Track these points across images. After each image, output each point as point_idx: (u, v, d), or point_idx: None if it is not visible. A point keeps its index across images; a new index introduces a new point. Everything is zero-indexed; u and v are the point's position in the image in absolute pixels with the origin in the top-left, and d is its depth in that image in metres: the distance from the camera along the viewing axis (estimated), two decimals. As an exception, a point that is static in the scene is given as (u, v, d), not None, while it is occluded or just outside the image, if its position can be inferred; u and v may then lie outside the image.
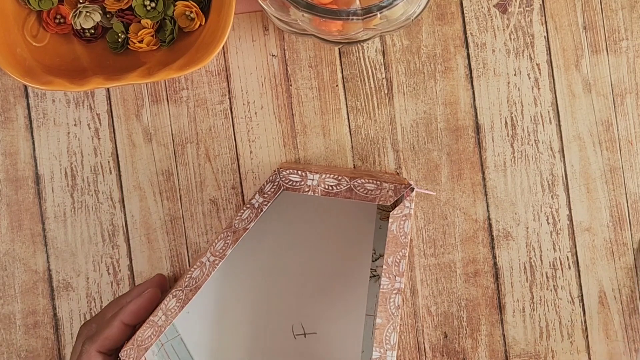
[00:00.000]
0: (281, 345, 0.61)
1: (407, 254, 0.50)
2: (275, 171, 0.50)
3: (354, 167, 0.62)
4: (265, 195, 0.50)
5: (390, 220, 0.50)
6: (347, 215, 0.61)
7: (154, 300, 0.53)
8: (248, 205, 0.50)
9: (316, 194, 0.50)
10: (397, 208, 0.50)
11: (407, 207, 0.50)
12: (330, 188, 0.50)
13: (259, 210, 0.50)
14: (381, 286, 0.50)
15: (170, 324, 0.50)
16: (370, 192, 0.50)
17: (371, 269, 0.61)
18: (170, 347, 0.58)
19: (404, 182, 0.51)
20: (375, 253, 0.61)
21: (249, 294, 0.61)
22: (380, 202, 0.50)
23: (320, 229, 0.61)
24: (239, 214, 0.50)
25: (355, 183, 0.50)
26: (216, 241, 0.50)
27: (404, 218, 0.50)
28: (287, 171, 0.50)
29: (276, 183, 0.50)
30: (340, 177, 0.50)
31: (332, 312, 0.61)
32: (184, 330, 0.60)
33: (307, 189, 0.50)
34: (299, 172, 0.50)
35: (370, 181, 0.50)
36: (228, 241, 0.50)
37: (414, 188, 0.50)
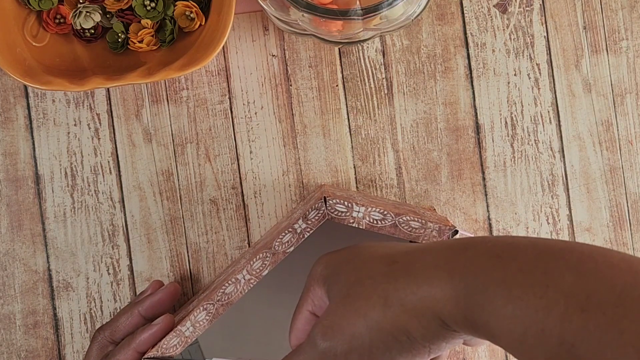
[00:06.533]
0: None
1: None
2: (321, 199, 0.49)
3: (354, 167, 0.62)
4: (309, 222, 0.49)
5: None
6: (376, 241, 0.60)
7: (168, 329, 0.52)
8: (290, 230, 0.49)
9: (360, 227, 0.50)
10: None
11: None
12: (375, 222, 0.50)
13: (301, 236, 0.49)
14: None
15: (197, 336, 0.50)
16: (414, 230, 0.50)
17: None
18: (187, 353, 0.58)
19: (448, 223, 0.50)
20: None
21: (271, 310, 0.60)
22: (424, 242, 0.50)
23: None
24: (280, 237, 0.49)
25: (401, 220, 0.49)
26: (254, 260, 0.49)
27: None
28: (334, 200, 0.49)
29: (321, 211, 0.49)
30: (386, 212, 0.49)
31: None
32: (202, 338, 0.60)
33: (351, 221, 0.49)
34: (345, 203, 0.49)
35: (415, 219, 0.50)
36: (266, 262, 0.49)
37: (457, 230, 0.50)
